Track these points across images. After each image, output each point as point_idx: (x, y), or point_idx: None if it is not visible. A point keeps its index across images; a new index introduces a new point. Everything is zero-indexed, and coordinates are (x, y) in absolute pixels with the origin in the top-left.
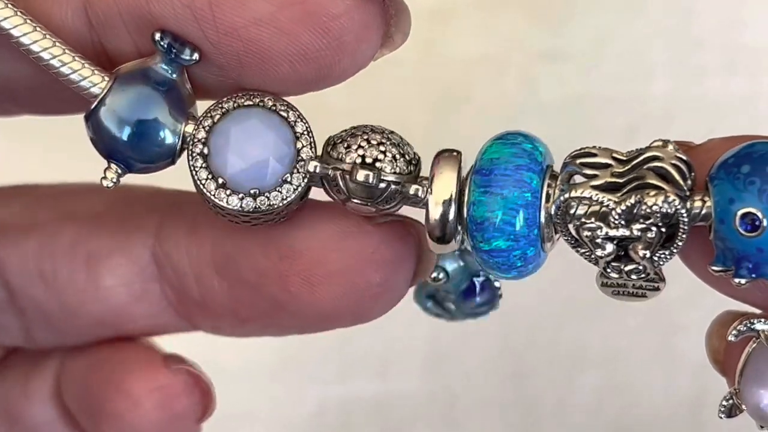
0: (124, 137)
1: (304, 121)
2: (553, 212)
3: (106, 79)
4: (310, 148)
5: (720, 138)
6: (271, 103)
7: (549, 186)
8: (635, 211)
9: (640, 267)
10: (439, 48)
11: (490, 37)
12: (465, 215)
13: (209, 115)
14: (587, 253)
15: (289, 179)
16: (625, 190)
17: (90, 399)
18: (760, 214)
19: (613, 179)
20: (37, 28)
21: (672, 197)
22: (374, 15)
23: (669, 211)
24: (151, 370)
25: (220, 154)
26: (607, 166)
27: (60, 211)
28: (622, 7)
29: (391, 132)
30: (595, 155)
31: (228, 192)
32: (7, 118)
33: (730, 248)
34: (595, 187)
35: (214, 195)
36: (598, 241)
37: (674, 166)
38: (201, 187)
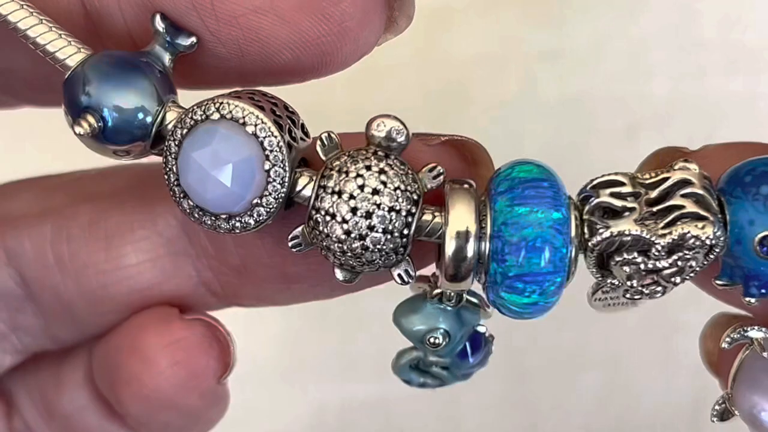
0: (100, 107)
1: (274, 134)
2: (592, 248)
3: (85, 52)
4: (281, 167)
5: (716, 144)
6: (239, 116)
7: (575, 217)
8: (681, 242)
9: (659, 290)
10: (439, 48)
11: (490, 37)
12: (490, 241)
13: (181, 125)
14: (613, 283)
15: (260, 203)
16: (666, 221)
17: (110, 368)
18: None
19: (649, 208)
20: (24, 6)
21: (718, 228)
22: (376, 1)
23: (716, 242)
24: (165, 324)
25: (184, 177)
26: (637, 195)
27: (74, 195)
28: (622, 7)
29: (388, 175)
30: (622, 183)
31: (200, 212)
32: (6, 110)
33: (741, 267)
34: (637, 222)
35: (189, 213)
36: (635, 275)
37: (706, 189)
38: (177, 203)
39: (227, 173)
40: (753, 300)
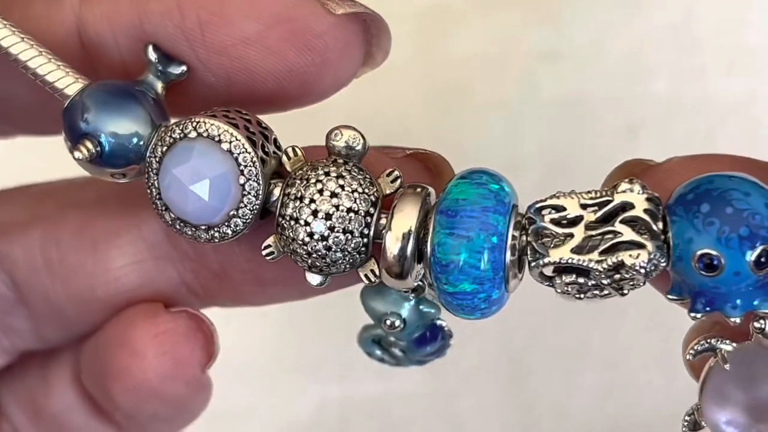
0: (96, 133)
1: (248, 150)
2: (532, 274)
3: (82, 82)
4: (255, 180)
5: (680, 157)
6: (215, 134)
7: (515, 227)
8: (617, 268)
9: (612, 294)
10: (439, 48)
11: (490, 37)
12: (429, 255)
13: (161, 142)
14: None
15: (237, 214)
16: (604, 247)
17: (99, 364)
18: (718, 256)
19: (589, 233)
20: (15, 32)
21: (653, 255)
22: (356, 33)
23: (651, 268)
24: (152, 317)
25: (165, 192)
26: (578, 219)
27: (63, 202)
28: (622, 6)
29: (346, 179)
30: (563, 209)
31: (181, 224)
32: (2, 139)
33: (687, 283)
34: (574, 251)
35: (170, 225)
36: (579, 292)
37: (647, 212)
38: (159, 215)
39: (205, 188)
40: (698, 315)
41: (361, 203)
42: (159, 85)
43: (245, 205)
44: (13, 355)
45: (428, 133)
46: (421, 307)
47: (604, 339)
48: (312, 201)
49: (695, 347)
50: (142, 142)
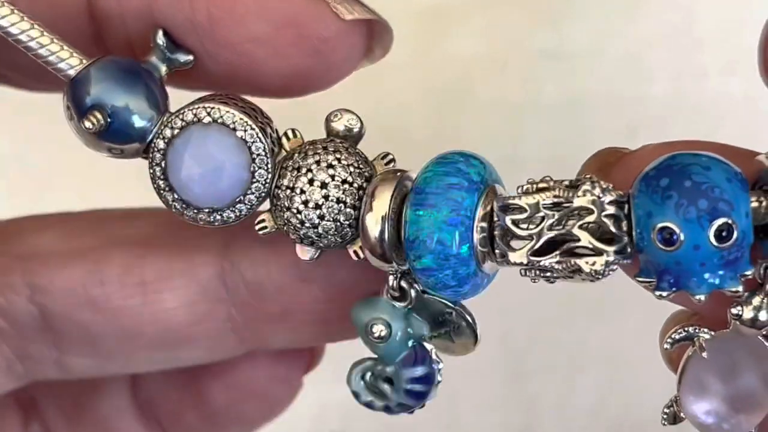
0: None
1: (261, 140)
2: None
3: (85, 62)
4: (266, 170)
5: (654, 144)
6: (230, 122)
7: (486, 205)
8: (574, 271)
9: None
10: (439, 47)
11: (490, 37)
12: (403, 234)
13: (170, 125)
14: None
15: (242, 200)
16: (561, 250)
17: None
18: (676, 229)
19: (549, 233)
20: (15, 11)
21: (610, 260)
22: (361, 36)
23: (608, 272)
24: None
25: (175, 172)
26: (540, 220)
27: (103, 237)
28: (622, 7)
29: (343, 155)
30: (526, 209)
31: (183, 205)
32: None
33: (652, 261)
34: (533, 254)
35: (171, 205)
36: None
37: (609, 216)
38: (159, 194)
39: (219, 174)
40: (663, 294)
41: (356, 177)
42: (163, 69)
43: (252, 192)
44: (24, 381)
45: (428, 132)
46: (409, 321)
47: (604, 339)
48: (309, 170)
49: (673, 336)
50: (147, 121)
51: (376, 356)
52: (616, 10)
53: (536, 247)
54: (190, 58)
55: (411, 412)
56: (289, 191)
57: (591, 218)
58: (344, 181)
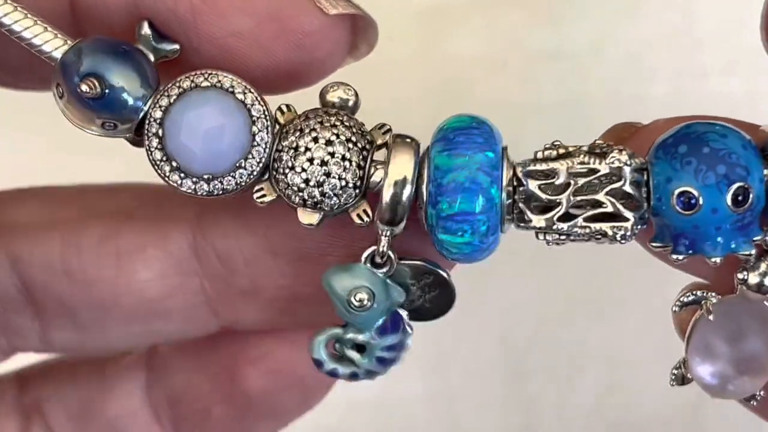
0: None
1: (260, 102)
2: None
3: (70, 43)
4: (267, 133)
5: (665, 119)
6: (228, 85)
7: (507, 173)
8: (596, 235)
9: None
10: (439, 47)
11: (490, 37)
12: (425, 190)
13: (166, 93)
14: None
15: (243, 164)
16: (586, 215)
17: (226, 356)
18: (696, 193)
19: (575, 200)
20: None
21: (634, 226)
22: (345, 31)
23: (630, 237)
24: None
25: (173, 138)
26: (566, 186)
27: (83, 209)
28: (622, 7)
29: (344, 118)
30: (553, 175)
31: (182, 175)
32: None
33: (668, 225)
34: (560, 219)
35: (168, 177)
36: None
37: (633, 183)
38: (156, 167)
39: (220, 133)
40: (680, 257)
41: (359, 138)
42: (150, 57)
43: (253, 157)
44: (7, 355)
45: (428, 132)
46: (388, 286)
47: (604, 339)
48: (313, 130)
49: (681, 299)
50: (142, 93)
51: (342, 324)
52: (616, 10)
53: (561, 213)
54: (176, 47)
55: (373, 379)
56: (292, 151)
57: (618, 185)
58: (349, 140)
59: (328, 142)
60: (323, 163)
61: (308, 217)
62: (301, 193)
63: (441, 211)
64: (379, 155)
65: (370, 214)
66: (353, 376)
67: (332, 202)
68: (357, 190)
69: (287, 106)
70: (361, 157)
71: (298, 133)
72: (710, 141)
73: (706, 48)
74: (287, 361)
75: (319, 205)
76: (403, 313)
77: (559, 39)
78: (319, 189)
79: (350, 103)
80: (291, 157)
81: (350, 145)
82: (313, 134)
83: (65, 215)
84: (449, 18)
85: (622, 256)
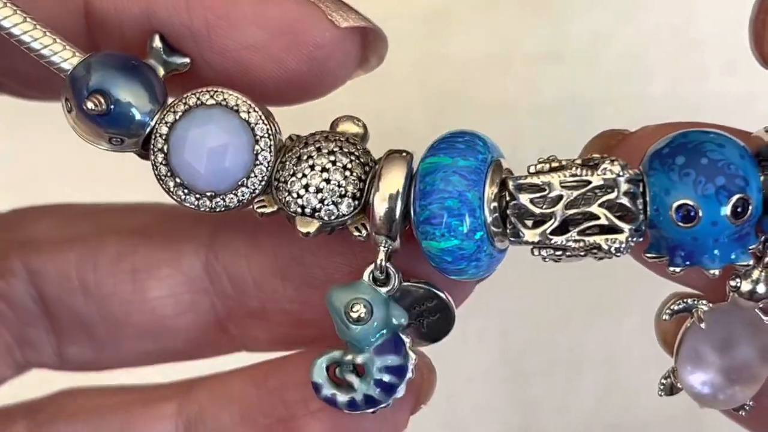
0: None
1: (264, 122)
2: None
3: (79, 56)
4: (269, 152)
5: (654, 125)
6: (233, 103)
7: (496, 184)
8: (591, 249)
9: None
10: (439, 48)
11: (490, 37)
12: (413, 213)
13: (172, 110)
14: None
15: (245, 183)
16: (580, 228)
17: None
18: (695, 205)
19: (568, 214)
20: (7, 5)
21: (629, 238)
22: (355, 43)
23: (626, 250)
24: None
25: (177, 154)
26: (558, 199)
27: (100, 226)
28: (621, 7)
29: (349, 138)
30: (544, 189)
31: (186, 191)
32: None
33: (665, 237)
34: (552, 233)
35: (172, 192)
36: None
37: (627, 194)
38: (161, 182)
39: (223, 151)
40: (677, 270)
41: (362, 154)
42: (160, 71)
43: (255, 175)
44: (22, 369)
45: (427, 132)
46: (390, 309)
47: (604, 339)
48: (317, 141)
49: (672, 307)
50: (148, 109)
51: (341, 349)
52: (615, 10)
53: (554, 226)
54: (187, 60)
55: (374, 412)
56: (295, 159)
57: (611, 196)
58: (351, 153)
59: (331, 152)
60: (324, 169)
61: (305, 226)
62: (300, 200)
63: (419, 214)
64: None
65: (368, 228)
66: (351, 405)
67: (330, 210)
68: (356, 202)
69: (297, 136)
70: (362, 171)
71: (301, 146)
72: (708, 151)
73: (705, 48)
74: (351, 417)
75: (316, 213)
76: (406, 339)
77: (559, 39)
78: (318, 195)
79: (359, 136)
80: (293, 164)
81: (352, 158)
82: (317, 145)
83: (82, 231)
84: (449, 18)
85: (621, 257)
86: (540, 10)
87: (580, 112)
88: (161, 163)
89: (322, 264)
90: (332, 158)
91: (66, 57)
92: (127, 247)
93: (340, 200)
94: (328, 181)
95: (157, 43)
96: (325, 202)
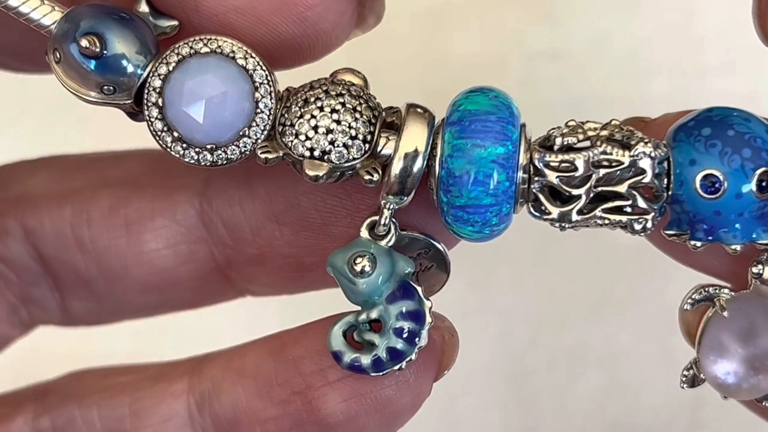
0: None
1: (263, 68)
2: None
3: (60, 10)
4: (270, 99)
5: (675, 112)
6: (228, 50)
7: (525, 146)
8: (617, 226)
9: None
10: (439, 47)
11: (490, 37)
12: (437, 169)
13: (164, 61)
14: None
15: (246, 133)
16: (607, 206)
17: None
18: (721, 176)
19: (596, 189)
20: None
21: (655, 219)
22: (349, 2)
23: (650, 229)
24: None
25: (174, 107)
26: (586, 179)
27: (93, 178)
28: (622, 6)
29: (350, 87)
30: (573, 168)
31: (184, 145)
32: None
33: (687, 211)
34: (579, 212)
35: (170, 148)
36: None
37: (657, 176)
38: (157, 138)
39: (223, 102)
40: (698, 244)
41: (369, 98)
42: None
43: (257, 124)
44: (29, 328)
45: None
46: (393, 257)
47: (604, 339)
48: (323, 85)
49: (693, 296)
50: (141, 57)
51: (353, 310)
52: (616, 9)
53: (580, 205)
54: (175, 23)
55: (401, 368)
56: (302, 102)
57: (641, 177)
58: (359, 96)
59: (340, 94)
60: (334, 110)
61: (314, 169)
62: (308, 142)
63: (453, 200)
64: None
65: (380, 172)
66: (377, 364)
67: (340, 152)
68: (367, 145)
69: (294, 88)
70: (371, 114)
71: (307, 89)
72: (735, 124)
73: (707, 46)
74: (371, 384)
75: (326, 156)
76: (417, 286)
77: (558, 38)
78: (328, 137)
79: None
80: (300, 107)
81: (361, 101)
82: (324, 88)
83: (75, 185)
84: (449, 18)
85: (622, 256)
86: (540, 10)
87: (580, 111)
88: (157, 118)
89: (318, 207)
90: (341, 100)
91: (55, 18)
92: (119, 200)
93: (351, 142)
94: (338, 122)
95: (144, 6)
96: (336, 144)
